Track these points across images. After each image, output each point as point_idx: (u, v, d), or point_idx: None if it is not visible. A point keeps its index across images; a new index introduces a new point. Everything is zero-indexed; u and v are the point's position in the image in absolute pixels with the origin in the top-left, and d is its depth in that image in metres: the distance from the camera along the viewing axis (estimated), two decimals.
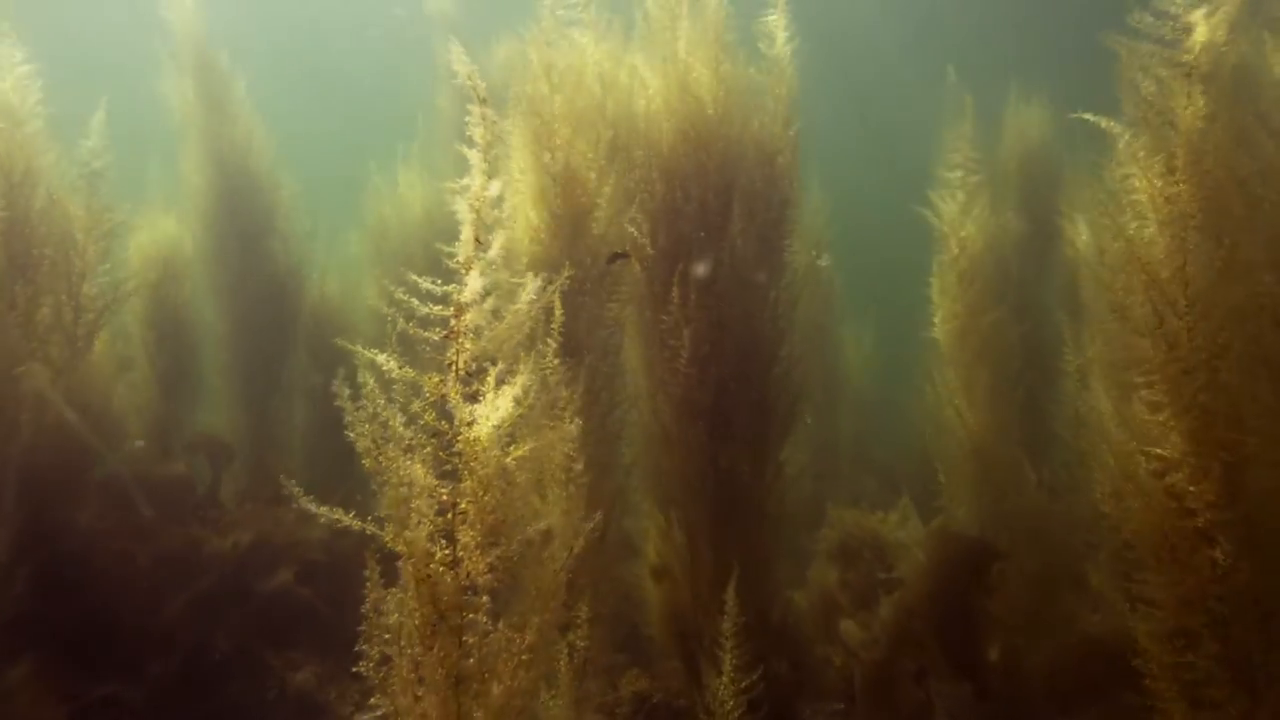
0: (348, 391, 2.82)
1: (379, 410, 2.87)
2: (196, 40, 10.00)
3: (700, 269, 6.13)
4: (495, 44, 9.54)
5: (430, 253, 9.60)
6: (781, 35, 6.60)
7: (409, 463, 2.77)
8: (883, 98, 26.85)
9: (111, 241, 7.83)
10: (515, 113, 5.99)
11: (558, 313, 5.91)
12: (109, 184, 7.71)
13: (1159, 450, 3.84)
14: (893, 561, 8.22)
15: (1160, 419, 3.80)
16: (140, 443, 8.36)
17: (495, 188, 2.98)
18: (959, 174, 6.77)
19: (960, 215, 6.70)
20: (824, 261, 7.89)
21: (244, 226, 10.28)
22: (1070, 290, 7.80)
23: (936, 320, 6.45)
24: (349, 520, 2.75)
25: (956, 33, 21.63)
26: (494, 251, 2.96)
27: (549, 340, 5.95)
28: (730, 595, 5.60)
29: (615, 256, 6.08)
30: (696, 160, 6.35)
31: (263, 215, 10.43)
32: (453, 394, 2.90)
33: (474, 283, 2.95)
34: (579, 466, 5.48)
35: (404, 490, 2.71)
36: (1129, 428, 3.98)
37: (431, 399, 2.86)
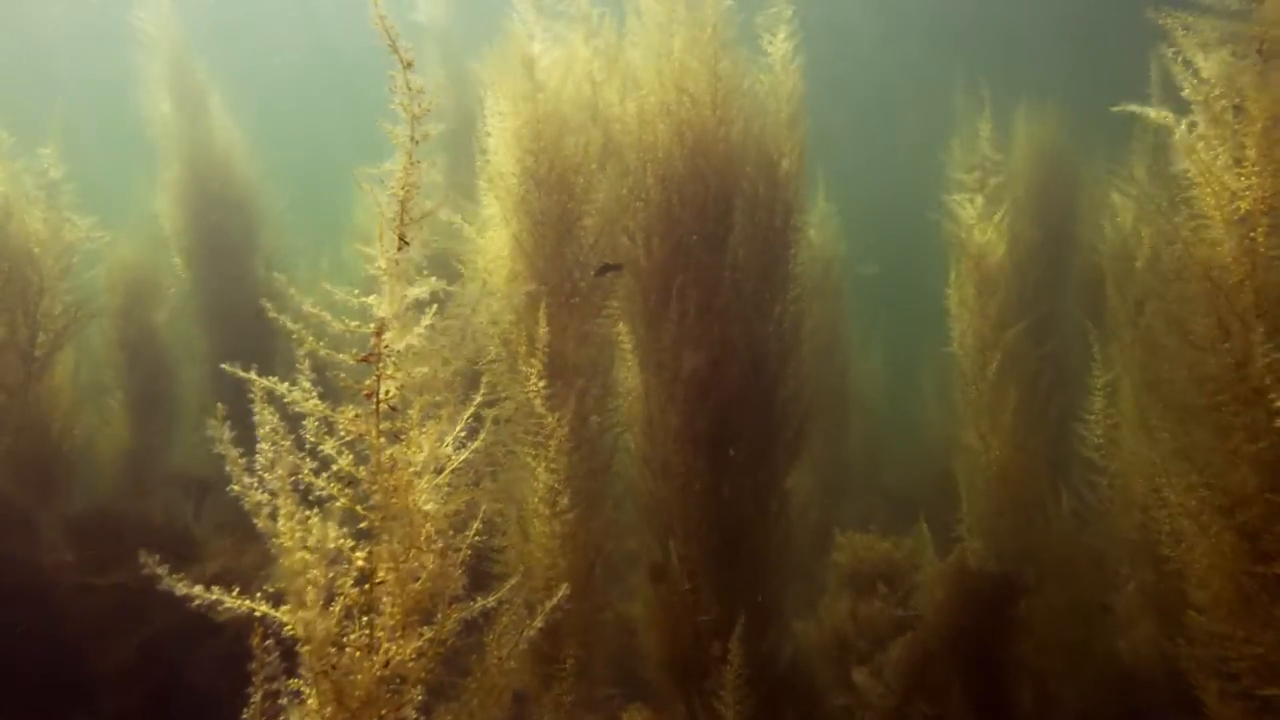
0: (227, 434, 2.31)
1: (276, 453, 2.34)
2: (173, 47, 9.57)
3: (699, 282, 5.63)
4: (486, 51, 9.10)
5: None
6: (784, 31, 6.14)
7: (312, 519, 2.22)
8: (892, 99, 26.22)
9: (75, 256, 7.35)
10: (495, 112, 5.51)
11: (542, 330, 5.43)
12: (69, 194, 7.24)
13: (1225, 483, 3.32)
14: (907, 592, 7.69)
15: (1228, 447, 3.29)
16: None
17: (426, 172, 2.46)
18: (975, 176, 6.26)
19: (979, 220, 6.17)
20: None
21: (223, 241, 9.81)
22: (1093, 299, 7.29)
23: (955, 334, 5.94)
24: (233, 601, 2.23)
25: (968, 31, 21.08)
26: (416, 252, 2.43)
27: (533, 360, 5.46)
28: (734, 639, 5.10)
29: (606, 268, 5.59)
30: (694, 165, 5.86)
31: (243, 230, 9.97)
32: (371, 433, 2.37)
33: (394, 292, 2.42)
34: (563, 501, 4.98)
35: (303, 556, 2.17)
36: (1188, 457, 3.46)
37: (348, 438, 2.34)
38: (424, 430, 2.36)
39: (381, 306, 2.41)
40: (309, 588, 2.12)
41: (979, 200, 6.16)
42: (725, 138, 5.86)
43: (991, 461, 6.29)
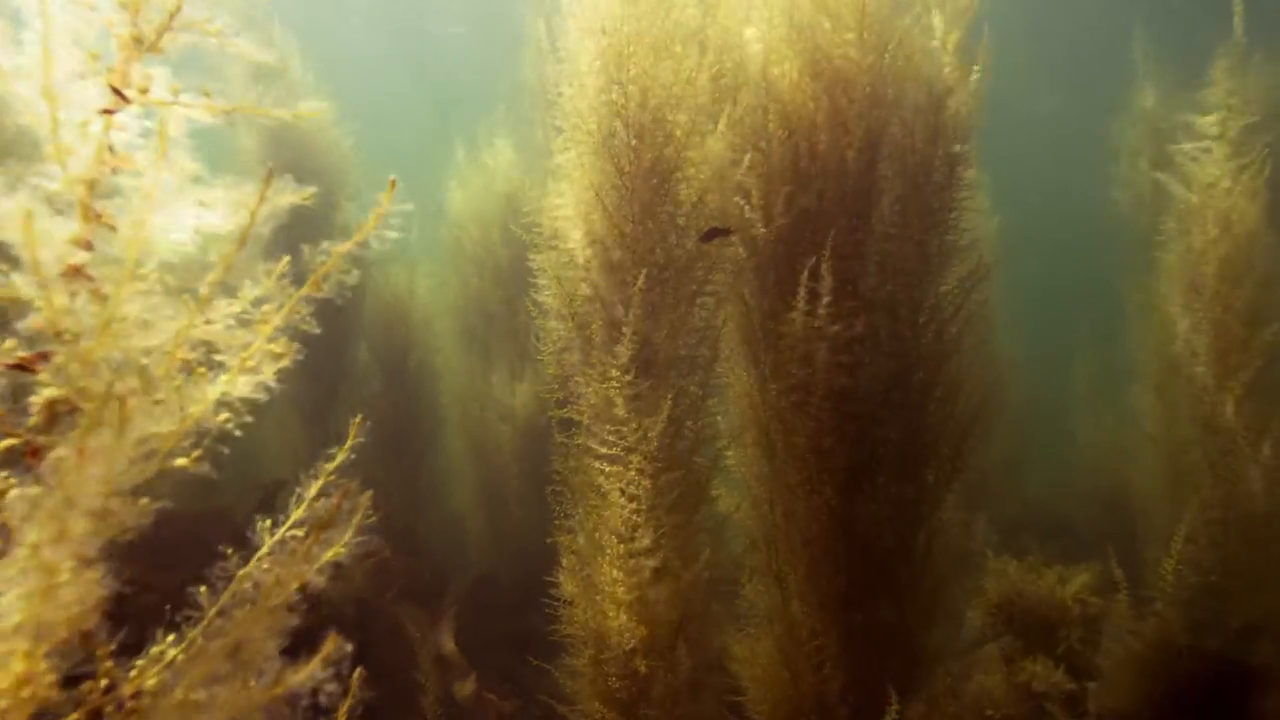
0: None
1: None
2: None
3: (834, 256, 4.29)
4: None
5: (512, 240, 7.95)
6: None
7: None
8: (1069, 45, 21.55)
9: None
10: (576, 29, 4.30)
11: (633, 313, 4.19)
12: None
13: None
14: (1071, 647, 6.15)
15: None
16: None
17: None
18: (1218, 118, 4.65)
19: (1222, 178, 4.56)
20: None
21: (300, 213, 8.95)
22: None
23: (1182, 329, 4.39)
24: None
25: None
26: None
27: (616, 350, 4.23)
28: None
29: (711, 234, 4.32)
30: (831, 104, 4.52)
31: (325, 194, 9.10)
32: None
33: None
34: (644, 539, 3.73)
35: None
36: None
37: None
38: None
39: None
40: None
41: (1221, 150, 4.56)
42: (874, 69, 4.49)
43: (1222, 500, 4.72)
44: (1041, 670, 5.63)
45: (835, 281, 4.21)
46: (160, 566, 7.19)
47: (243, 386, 1.77)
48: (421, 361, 8.98)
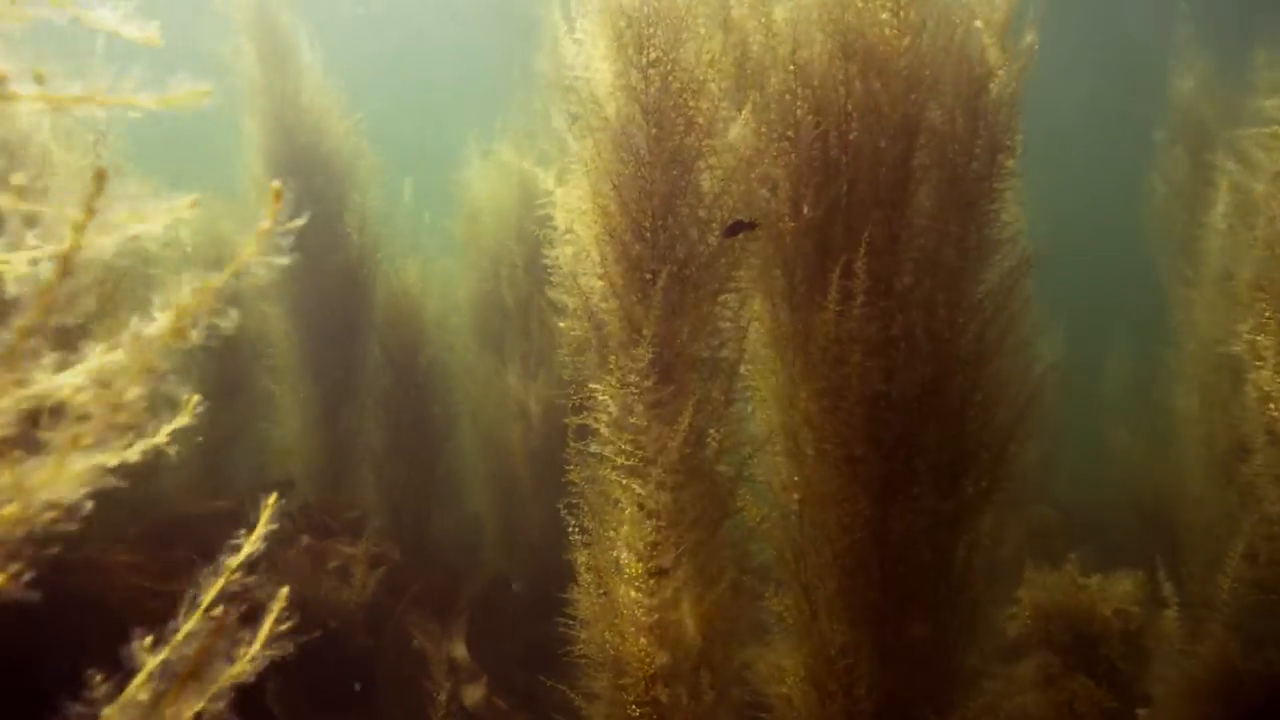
0: None
1: None
2: None
3: (869, 251, 3.99)
4: None
5: (527, 234, 7.66)
6: None
7: None
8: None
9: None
10: (590, 9, 4.02)
11: (653, 313, 3.91)
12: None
13: None
14: (1113, 664, 5.84)
15: None
16: None
17: None
18: None
19: None
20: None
21: (310, 207, 8.71)
22: None
23: (1245, 328, 4.08)
24: None
25: None
26: None
27: (635, 352, 3.95)
28: None
29: (736, 228, 4.04)
30: (865, 88, 4.23)
31: (333, 193, 8.87)
32: None
33: None
34: (664, 557, 3.46)
35: None
36: None
37: None
38: None
39: None
40: None
41: None
42: (911, 50, 4.19)
43: None
44: (1083, 689, 5.33)
45: (869, 279, 3.92)
46: (164, 572, 7.01)
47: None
48: (434, 358, 8.74)
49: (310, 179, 8.66)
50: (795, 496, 4.38)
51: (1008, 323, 4.24)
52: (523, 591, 8.42)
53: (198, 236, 8.28)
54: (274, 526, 6.38)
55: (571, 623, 3.98)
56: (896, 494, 4.25)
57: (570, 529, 3.88)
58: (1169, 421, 8.45)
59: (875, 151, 4.21)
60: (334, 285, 8.81)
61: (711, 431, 3.99)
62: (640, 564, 3.45)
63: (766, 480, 4.48)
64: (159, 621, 6.37)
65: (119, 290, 6.28)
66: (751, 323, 4.24)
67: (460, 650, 7.37)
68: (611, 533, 3.55)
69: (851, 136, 4.26)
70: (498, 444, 8.52)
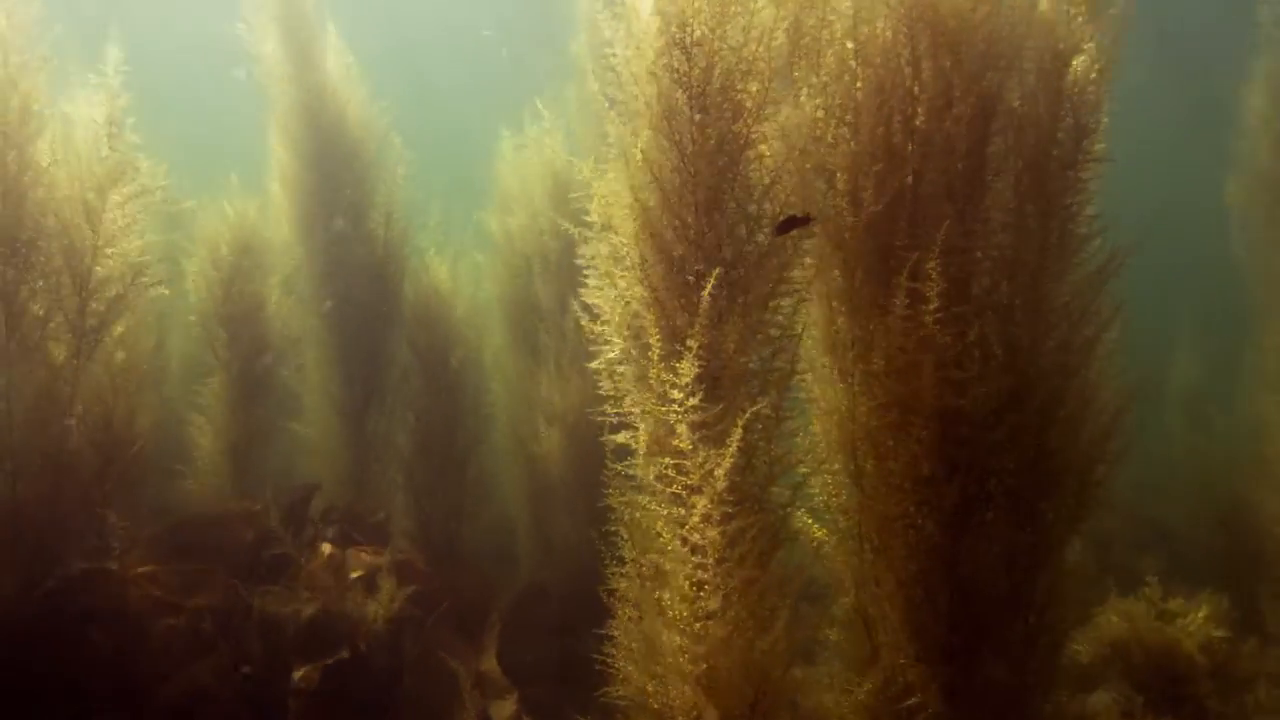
0: None
1: None
2: None
3: (940, 250, 3.55)
4: None
5: (562, 229, 7.30)
6: None
7: None
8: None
9: (140, 211, 6.03)
10: None
11: (698, 321, 3.47)
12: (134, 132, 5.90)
13: None
14: (1206, 695, 5.35)
15: None
16: None
17: None
18: None
19: None
20: None
21: (337, 200, 8.42)
22: None
23: None
24: None
25: None
26: None
27: (678, 365, 3.51)
28: None
29: (789, 223, 3.62)
30: (934, 67, 3.78)
31: (360, 187, 8.55)
32: None
33: None
34: (712, 600, 3.06)
35: None
36: None
37: None
38: None
39: None
40: None
41: None
42: (987, 24, 3.74)
43: None
44: None
45: (943, 280, 3.48)
46: (182, 585, 6.76)
47: None
48: (465, 359, 8.39)
49: (337, 173, 8.37)
50: (855, 519, 3.96)
51: (1095, 330, 3.78)
52: (557, 599, 8.08)
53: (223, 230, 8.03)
54: (295, 533, 6.05)
55: (609, 630, 3.61)
56: (969, 519, 3.81)
57: (608, 560, 3.50)
58: (1244, 425, 7.91)
59: (946, 139, 3.76)
60: (361, 281, 8.50)
61: (761, 452, 3.58)
62: (685, 605, 3.06)
63: (823, 499, 4.07)
64: (176, 639, 6.04)
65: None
66: (805, 330, 3.82)
67: (491, 664, 7.05)
68: (653, 571, 3.17)
69: (918, 121, 3.82)
70: (531, 447, 8.17)
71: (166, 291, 6.37)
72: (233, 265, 8.11)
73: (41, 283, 5.63)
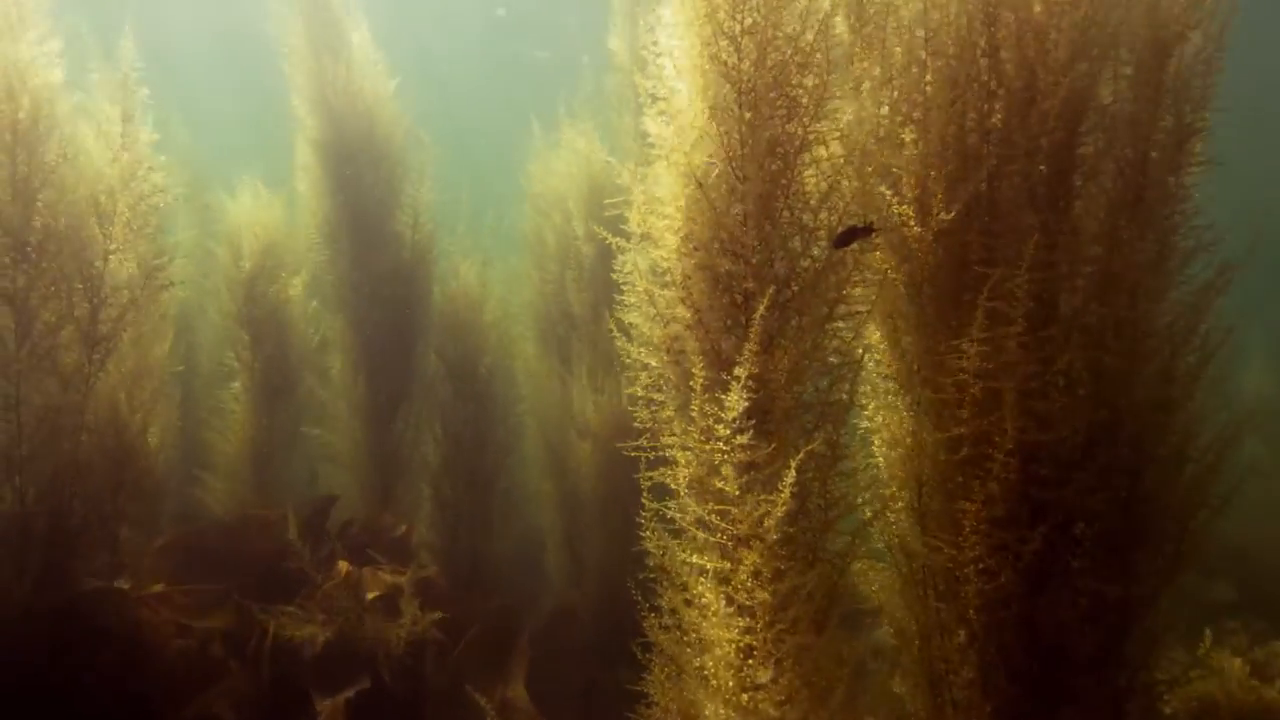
0: None
1: None
2: None
3: (1019, 263, 3.12)
4: None
5: (597, 234, 6.90)
6: None
7: None
8: None
9: (155, 212, 5.76)
10: None
11: (748, 348, 3.06)
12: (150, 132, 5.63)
13: None
14: None
15: None
16: None
17: None
18: None
19: None
20: None
21: (362, 201, 8.10)
22: None
23: None
24: None
25: None
26: None
27: (727, 399, 3.09)
28: None
29: (849, 234, 3.20)
30: (1016, 59, 3.35)
31: (386, 187, 8.24)
32: None
33: None
34: (762, 671, 2.65)
35: None
36: None
37: None
38: None
39: None
40: None
41: None
42: (1076, 9, 3.29)
43: None
44: None
45: (1027, 300, 3.05)
46: (195, 606, 6.50)
47: None
48: (494, 367, 8.05)
49: (362, 173, 8.06)
50: (920, 565, 3.54)
51: (1200, 356, 3.32)
52: (588, 620, 7.71)
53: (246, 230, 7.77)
54: (312, 548, 5.67)
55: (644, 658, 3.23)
56: (1051, 568, 3.37)
57: (647, 611, 3.12)
58: None
59: (1029, 139, 3.32)
60: (388, 284, 8.18)
61: (815, 494, 3.17)
62: (731, 674, 2.67)
63: (884, 540, 3.65)
64: (186, 662, 5.71)
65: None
66: (865, 355, 3.40)
67: (518, 690, 6.68)
68: (694, 632, 2.78)
69: (996, 119, 3.39)
70: (563, 460, 7.81)
71: (184, 294, 6.09)
72: (256, 266, 7.86)
73: (53, 288, 5.37)
